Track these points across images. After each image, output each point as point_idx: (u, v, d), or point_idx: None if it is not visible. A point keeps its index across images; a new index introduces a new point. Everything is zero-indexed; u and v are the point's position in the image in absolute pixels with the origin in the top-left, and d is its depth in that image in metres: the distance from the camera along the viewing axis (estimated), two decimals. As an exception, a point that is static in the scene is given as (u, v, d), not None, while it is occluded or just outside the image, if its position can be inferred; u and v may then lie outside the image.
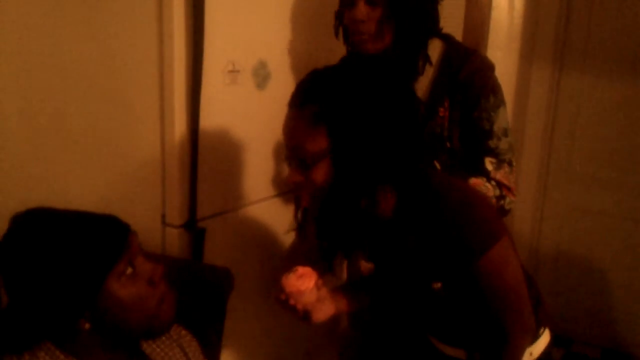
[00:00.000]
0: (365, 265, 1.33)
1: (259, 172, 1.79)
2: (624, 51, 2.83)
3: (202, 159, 1.56)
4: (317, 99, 1.10)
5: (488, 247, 1.14)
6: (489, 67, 1.58)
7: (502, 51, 2.70)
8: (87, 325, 0.97)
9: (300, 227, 1.90)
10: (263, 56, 1.70)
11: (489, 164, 1.54)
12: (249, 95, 1.69)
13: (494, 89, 1.55)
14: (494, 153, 1.54)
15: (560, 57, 2.98)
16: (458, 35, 2.54)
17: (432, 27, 1.57)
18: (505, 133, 1.55)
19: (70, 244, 0.95)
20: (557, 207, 3.15)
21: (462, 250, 1.15)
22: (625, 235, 2.97)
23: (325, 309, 1.33)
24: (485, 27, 2.65)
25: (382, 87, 1.12)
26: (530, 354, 1.33)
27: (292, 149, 1.14)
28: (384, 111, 1.10)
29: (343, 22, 1.55)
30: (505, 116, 1.56)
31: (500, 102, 1.55)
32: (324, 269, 1.65)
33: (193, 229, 1.59)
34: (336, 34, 1.60)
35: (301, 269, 1.27)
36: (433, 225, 1.16)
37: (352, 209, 1.19)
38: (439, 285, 1.24)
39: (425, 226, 1.17)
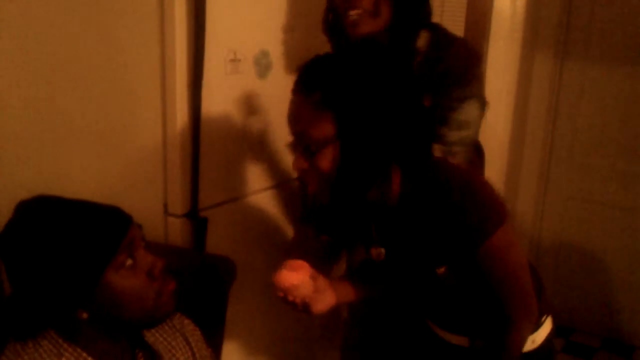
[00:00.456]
0: (376, 251, 1.32)
1: (260, 162, 1.79)
2: (627, 40, 2.82)
3: (204, 148, 1.56)
4: (322, 85, 1.09)
5: (493, 230, 1.15)
6: (471, 56, 1.56)
7: (505, 40, 2.69)
8: (84, 315, 0.97)
9: (306, 214, 1.89)
10: (265, 45, 1.70)
11: (436, 150, 1.50)
12: (251, 85, 1.69)
13: (468, 80, 1.52)
14: (441, 141, 1.51)
15: (562, 46, 2.97)
16: (460, 25, 2.54)
17: (426, 15, 1.55)
18: (461, 126, 1.51)
19: (71, 233, 0.95)
20: (559, 197, 3.15)
21: (467, 233, 1.15)
22: (626, 225, 2.97)
23: (324, 299, 1.31)
24: (488, 17, 2.64)
25: (385, 70, 1.11)
26: (533, 341, 1.34)
27: (298, 136, 1.14)
28: (389, 95, 1.10)
29: (334, 5, 1.52)
30: (471, 110, 1.52)
31: (471, 95, 1.52)
32: (327, 261, 1.65)
33: (195, 218, 1.59)
34: (324, 30, 1.59)
35: (292, 263, 1.24)
36: (439, 208, 1.16)
37: (360, 196, 1.18)
38: (442, 270, 1.24)
39: (431, 210, 1.17)
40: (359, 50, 1.16)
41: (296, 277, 1.22)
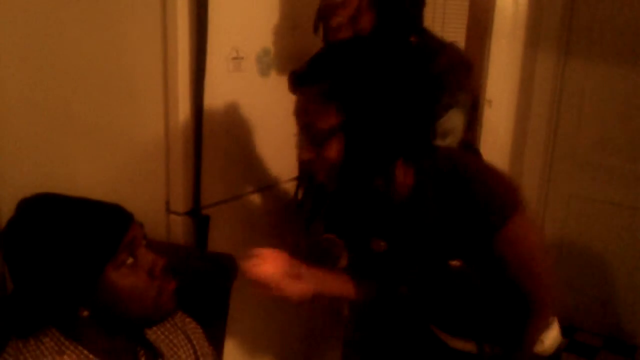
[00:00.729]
0: (377, 243, 1.31)
1: (262, 160, 1.79)
2: (629, 39, 2.81)
3: (206, 146, 1.56)
4: (327, 76, 1.10)
5: (512, 212, 1.16)
6: (459, 64, 1.55)
7: (507, 39, 2.69)
8: (85, 313, 0.97)
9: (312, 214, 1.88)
10: (267, 43, 1.70)
11: None
12: (253, 83, 1.69)
13: (452, 88, 1.50)
14: None
15: (564, 45, 2.97)
16: (463, 24, 2.54)
17: (413, 21, 1.54)
18: (445, 134, 1.50)
19: (72, 231, 0.95)
20: (561, 195, 3.14)
21: (485, 218, 1.15)
22: (629, 224, 2.97)
23: (300, 286, 1.26)
24: (490, 16, 2.63)
25: (390, 61, 1.12)
26: (542, 342, 1.34)
27: (304, 127, 1.15)
28: (393, 86, 1.10)
29: (320, 10, 1.53)
30: (456, 119, 1.51)
31: (456, 103, 1.51)
32: (329, 261, 1.64)
33: (197, 216, 1.59)
34: (315, 30, 1.59)
35: (261, 253, 1.23)
36: (455, 195, 1.16)
37: (365, 186, 1.18)
38: (457, 263, 1.23)
39: (446, 198, 1.17)
40: (363, 44, 1.17)
41: (266, 267, 1.22)
